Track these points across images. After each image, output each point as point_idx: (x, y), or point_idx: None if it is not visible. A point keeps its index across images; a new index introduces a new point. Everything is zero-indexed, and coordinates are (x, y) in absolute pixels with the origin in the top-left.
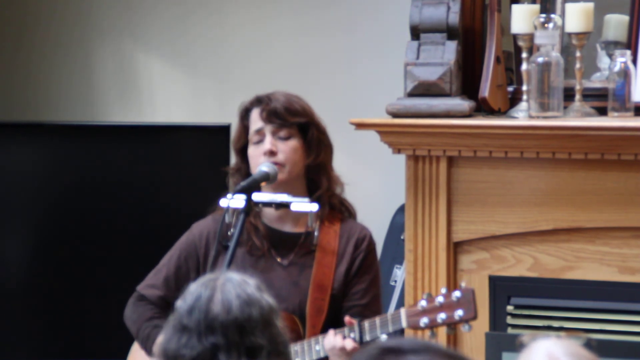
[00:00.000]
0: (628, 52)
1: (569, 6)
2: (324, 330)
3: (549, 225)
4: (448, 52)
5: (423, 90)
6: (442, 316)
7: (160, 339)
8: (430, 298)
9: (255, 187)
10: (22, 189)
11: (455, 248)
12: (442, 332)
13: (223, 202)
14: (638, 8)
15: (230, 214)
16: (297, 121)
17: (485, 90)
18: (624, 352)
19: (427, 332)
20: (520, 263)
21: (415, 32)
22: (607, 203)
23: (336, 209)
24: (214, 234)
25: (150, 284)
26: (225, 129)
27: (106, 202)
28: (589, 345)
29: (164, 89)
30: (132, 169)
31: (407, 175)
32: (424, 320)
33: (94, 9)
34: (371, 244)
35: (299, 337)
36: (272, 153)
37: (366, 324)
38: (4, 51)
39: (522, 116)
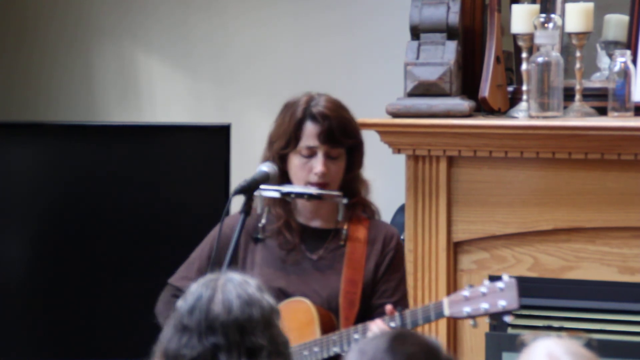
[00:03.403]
0: (628, 52)
1: (569, 6)
2: (357, 324)
3: (549, 225)
4: (448, 52)
5: (423, 90)
6: (484, 306)
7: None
8: (472, 288)
9: (255, 187)
10: (22, 189)
11: (455, 248)
12: (443, 331)
13: (256, 193)
14: (638, 8)
15: (261, 205)
16: (350, 144)
17: (485, 90)
18: (624, 352)
19: (470, 322)
20: (520, 263)
21: (415, 32)
22: (607, 203)
23: (365, 210)
24: (245, 227)
25: (183, 276)
26: (225, 129)
27: (106, 202)
28: (589, 345)
29: (164, 90)
30: (132, 169)
31: (407, 175)
32: (466, 309)
33: (94, 10)
34: (399, 243)
35: (334, 331)
36: (323, 174)
37: (407, 312)
38: (5, 51)
39: (522, 116)
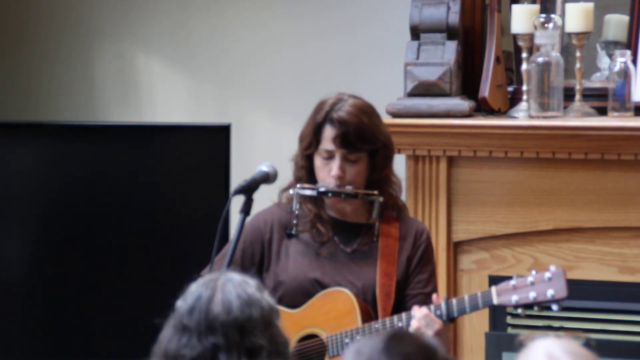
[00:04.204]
0: (628, 52)
1: (569, 6)
2: (393, 314)
3: (549, 225)
4: (448, 52)
5: (423, 90)
6: (532, 294)
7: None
8: (519, 277)
9: (254, 187)
10: (22, 189)
11: (455, 248)
12: None
13: (292, 191)
14: (638, 8)
15: (297, 202)
16: (367, 148)
17: (485, 90)
18: (624, 352)
19: (518, 311)
20: (520, 263)
21: (415, 32)
22: (607, 203)
23: (395, 209)
24: (278, 221)
25: (216, 269)
26: (225, 129)
27: (106, 202)
28: (588, 345)
29: (165, 90)
30: (132, 169)
31: (407, 175)
32: (514, 298)
33: (95, 10)
34: (429, 238)
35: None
36: (339, 177)
37: (454, 300)
38: (5, 51)
39: (522, 116)
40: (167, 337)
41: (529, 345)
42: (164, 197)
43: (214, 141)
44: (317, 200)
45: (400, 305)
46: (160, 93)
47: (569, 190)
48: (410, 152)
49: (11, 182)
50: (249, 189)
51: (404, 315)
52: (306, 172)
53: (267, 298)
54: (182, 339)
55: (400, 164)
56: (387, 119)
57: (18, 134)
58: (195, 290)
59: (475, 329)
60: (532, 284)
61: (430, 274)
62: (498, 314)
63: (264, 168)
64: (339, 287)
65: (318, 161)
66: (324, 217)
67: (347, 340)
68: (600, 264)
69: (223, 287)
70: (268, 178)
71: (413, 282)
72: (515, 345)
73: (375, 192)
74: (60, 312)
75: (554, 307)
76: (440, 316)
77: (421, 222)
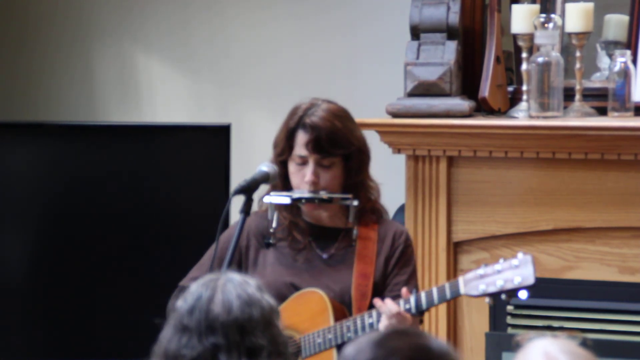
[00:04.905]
0: (628, 52)
1: (569, 6)
2: None
3: (549, 225)
4: (448, 52)
5: (423, 90)
6: (500, 282)
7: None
8: (487, 266)
9: (254, 187)
10: (22, 189)
11: (455, 248)
12: (443, 331)
13: (266, 199)
14: (638, 8)
15: (272, 210)
16: (341, 153)
17: (485, 90)
18: (624, 352)
19: (486, 300)
20: None
21: (415, 32)
22: (607, 203)
23: (374, 213)
24: (256, 228)
25: (194, 277)
26: (225, 129)
27: (106, 202)
28: (585, 344)
29: (165, 91)
30: (132, 169)
31: (407, 175)
32: (481, 287)
33: (95, 10)
34: (409, 239)
35: None
36: (313, 183)
37: (422, 293)
38: (6, 51)
39: (522, 116)
40: (167, 337)
41: (527, 345)
42: (164, 197)
43: (214, 141)
44: (293, 207)
45: None
46: (160, 93)
47: (569, 190)
48: (410, 152)
49: (11, 182)
50: (249, 189)
51: (374, 312)
52: (281, 179)
53: (267, 298)
54: (183, 339)
55: (400, 164)
56: (387, 119)
57: (18, 134)
58: (195, 290)
59: (475, 329)
60: (499, 272)
61: (410, 276)
62: (498, 314)
63: (264, 168)
64: (312, 288)
65: (292, 167)
66: (300, 224)
67: (319, 340)
68: (600, 264)
69: (223, 287)
70: (268, 178)
71: (391, 284)
72: (513, 346)
73: (350, 195)
74: (60, 312)
75: (522, 295)
76: (409, 310)
77: (401, 224)
